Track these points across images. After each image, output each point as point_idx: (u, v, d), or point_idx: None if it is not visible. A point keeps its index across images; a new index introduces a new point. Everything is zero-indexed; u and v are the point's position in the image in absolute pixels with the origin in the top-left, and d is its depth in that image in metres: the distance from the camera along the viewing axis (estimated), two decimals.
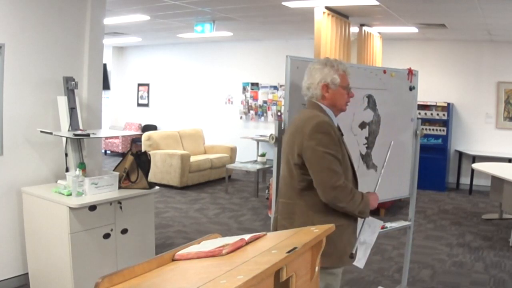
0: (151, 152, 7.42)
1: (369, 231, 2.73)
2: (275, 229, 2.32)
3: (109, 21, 6.82)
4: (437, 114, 8.14)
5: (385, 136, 3.23)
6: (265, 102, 9.99)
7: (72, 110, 3.64)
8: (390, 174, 3.33)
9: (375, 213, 6.28)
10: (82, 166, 3.52)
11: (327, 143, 2.11)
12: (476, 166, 6.35)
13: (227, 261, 1.27)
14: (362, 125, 3.11)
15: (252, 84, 10.09)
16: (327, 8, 5.77)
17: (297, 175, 2.21)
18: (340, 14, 6.18)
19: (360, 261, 2.74)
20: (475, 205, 7.19)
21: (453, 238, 5.41)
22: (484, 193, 7.76)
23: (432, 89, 8.23)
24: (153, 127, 11.15)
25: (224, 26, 7.61)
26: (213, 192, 7.67)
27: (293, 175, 2.23)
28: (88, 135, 3.47)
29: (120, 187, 3.59)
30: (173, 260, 1.41)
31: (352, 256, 2.26)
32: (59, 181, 3.58)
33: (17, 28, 3.56)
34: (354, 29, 6.95)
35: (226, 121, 10.37)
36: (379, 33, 7.70)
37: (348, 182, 2.17)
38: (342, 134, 2.30)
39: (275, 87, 9.81)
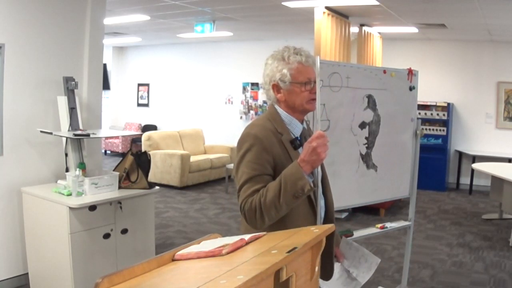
0: (151, 152, 7.42)
1: (364, 267, 2.27)
2: None
3: (109, 21, 6.82)
4: (437, 114, 8.13)
5: (385, 136, 3.24)
6: (265, 102, 9.97)
7: (72, 110, 3.65)
8: (390, 174, 3.34)
9: (375, 213, 6.30)
10: (82, 166, 3.53)
11: (248, 160, 1.76)
12: (476, 166, 6.35)
13: (227, 261, 1.27)
14: (362, 125, 3.11)
15: (252, 84, 10.09)
16: (327, 8, 5.77)
17: None
18: (340, 14, 6.18)
19: None
20: (475, 205, 7.18)
21: (453, 238, 5.41)
22: (484, 193, 7.76)
23: (432, 89, 8.22)
24: (153, 127, 11.15)
25: (224, 26, 7.61)
26: (213, 192, 7.67)
27: None
28: (88, 135, 3.48)
29: (120, 187, 3.60)
30: (173, 260, 1.40)
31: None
32: (59, 181, 3.58)
33: (17, 28, 3.56)
34: (354, 29, 6.95)
35: (226, 121, 10.36)
36: (379, 33, 7.70)
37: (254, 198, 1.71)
38: (296, 147, 1.83)
39: None
